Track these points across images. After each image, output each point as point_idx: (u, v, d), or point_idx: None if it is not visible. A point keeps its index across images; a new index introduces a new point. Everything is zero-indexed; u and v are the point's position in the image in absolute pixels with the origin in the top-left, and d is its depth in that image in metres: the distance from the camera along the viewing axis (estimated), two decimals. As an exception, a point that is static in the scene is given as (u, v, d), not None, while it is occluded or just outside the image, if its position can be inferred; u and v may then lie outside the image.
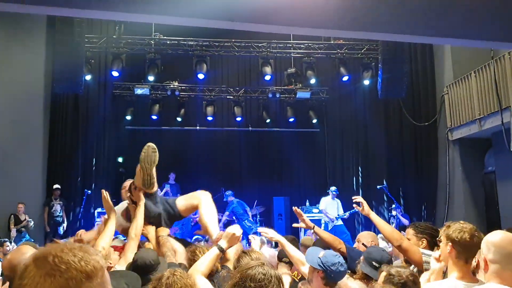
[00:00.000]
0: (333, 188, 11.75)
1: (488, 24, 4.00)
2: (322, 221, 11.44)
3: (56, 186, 10.95)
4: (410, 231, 3.81)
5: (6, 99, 10.37)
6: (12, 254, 2.98)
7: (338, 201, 11.59)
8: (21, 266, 1.12)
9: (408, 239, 3.71)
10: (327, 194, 11.76)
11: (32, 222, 9.98)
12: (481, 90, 9.89)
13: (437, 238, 3.01)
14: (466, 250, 2.62)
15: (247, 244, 8.53)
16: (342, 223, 11.42)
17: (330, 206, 11.48)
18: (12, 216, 9.96)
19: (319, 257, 2.96)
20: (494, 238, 2.45)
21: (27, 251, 2.86)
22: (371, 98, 12.67)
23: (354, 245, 4.40)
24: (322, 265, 2.91)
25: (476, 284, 2.59)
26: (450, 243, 2.67)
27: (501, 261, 2.38)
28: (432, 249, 3.52)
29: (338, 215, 11.31)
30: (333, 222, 11.28)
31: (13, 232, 9.73)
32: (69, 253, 1.12)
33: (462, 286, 2.58)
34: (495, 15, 3.97)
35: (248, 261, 2.78)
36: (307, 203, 12.59)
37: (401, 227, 9.64)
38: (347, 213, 11.26)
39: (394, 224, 10.80)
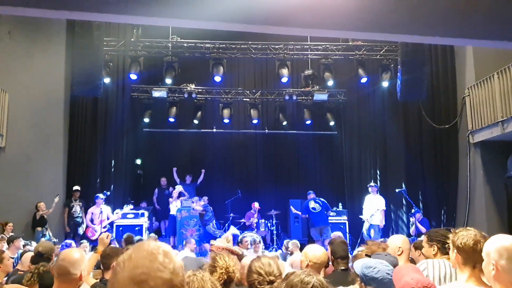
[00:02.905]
0: (371, 184, 11.61)
1: (511, 24, 3.90)
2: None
3: (76, 187, 11.10)
4: (424, 239, 3.97)
5: (27, 103, 10.54)
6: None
7: (379, 197, 11.33)
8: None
9: (423, 246, 3.88)
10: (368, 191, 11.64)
11: (56, 202, 10.15)
12: (504, 92, 9.69)
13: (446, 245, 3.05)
14: (471, 256, 2.64)
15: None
16: (376, 223, 11.08)
17: (368, 204, 11.36)
18: (36, 214, 10.11)
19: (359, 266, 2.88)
20: (507, 243, 2.37)
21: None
22: (390, 100, 12.52)
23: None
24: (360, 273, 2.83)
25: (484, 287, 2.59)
26: (455, 250, 2.72)
27: None
28: (443, 254, 3.66)
29: (372, 214, 11.12)
30: (368, 221, 11.16)
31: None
32: (165, 271, 1.12)
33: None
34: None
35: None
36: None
37: (419, 235, 9.49)
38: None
39: (412, 231, 10.64)
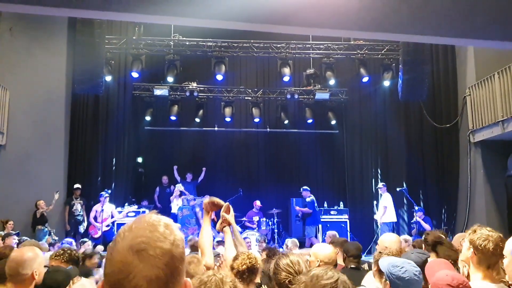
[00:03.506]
0: (379, 185, 11.65)
1: (513, 24, 3.90)
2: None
3: (77, 185, 11.10)
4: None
5: (28, 100, 10.56)
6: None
7: (387, 195, 11.32)
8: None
9: (422, 246, 3.80)
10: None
11: (56, 199, 10.14)
12: (505, 92, 9.69)
13: (460, 240, 3.00)
14: (488, 259, 2.59)
15: None
16: (389, 220, 11.11)
17: (380, 204, 11.42)
18: (36, 212, 10.13)
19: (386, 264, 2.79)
20: None
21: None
22: (392, 99, 12.52)
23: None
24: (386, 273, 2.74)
25: (501, 284, 2.57)
26: (472, 249, 2.64)
27: None
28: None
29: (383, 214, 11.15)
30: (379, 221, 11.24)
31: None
32: (165, 241, 1.10)
33: (488, 286, 2.55)
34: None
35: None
36: (325, 205, 12.50)
37: (421, 232, 9.49)
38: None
39: (415, 229, 10.65)
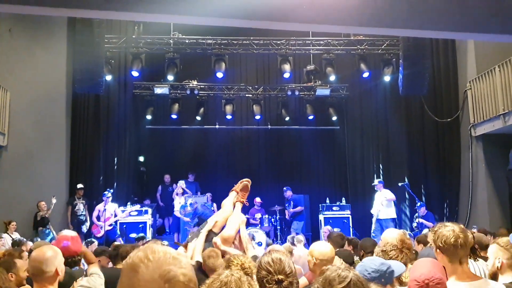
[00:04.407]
0: (375, 182, 11.63)
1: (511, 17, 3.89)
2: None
3: (80, 185, 11.11)
4: (430, 235, 3.79)
5: (29, 100, 10.56)
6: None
7: (386, 192, 11.22)
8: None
9: (426, 241, 3.74)
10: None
11: (53, 203, 10.15)
12: (505, 85, 9.67)
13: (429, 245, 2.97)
14: (454, 254, 2.58)
15: None
16: (383, 217, 11.07)
17: (376, 201, 11.37)
18: (37, 214, 10.14)
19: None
20: None
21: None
22: (392, 94, 12.49)
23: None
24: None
25: (477, 280, 2.57)
26: (438, 250, 2.65)
27: None
28: None
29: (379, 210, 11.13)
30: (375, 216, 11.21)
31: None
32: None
33: (463, 286, 2.54)
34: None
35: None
36: (327, 201, 12.51)
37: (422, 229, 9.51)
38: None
39: (415, 226, 10.65)
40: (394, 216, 11.13)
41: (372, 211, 11.38)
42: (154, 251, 1.18)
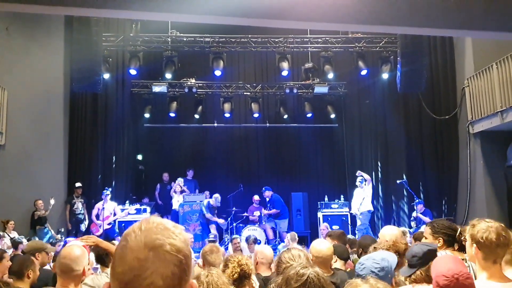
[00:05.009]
0: (359, 178, 11.57)
1: (510, 15, 3.89)
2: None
3: (78, 184, 11.10)
4: (427, 230, 3.74)
5: (26, 99, 10.54)
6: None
7: (366, 188, 11.21)
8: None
9: (426, 238, 3.66)
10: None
11: (51, 204, 10.12)
12: (503, 82, 9.68)
13: (462, 238, 2.91)
14: (492, 252, 2.49)
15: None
16: (361, 212, 11.03)
17: (355, 196, 11.36)
18: (34, 213, 10.13)
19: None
20: None
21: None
22: (390, 92, 12.50)
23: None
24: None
25: (509, 282, 2.49)
26: (475, 245, 2.55)
27: None
28: (449, 247, 3.48)
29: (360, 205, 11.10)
30: (355, 214, 11.18)
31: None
32: (177, 239, 1.11)
33: (494, 286, 2.46)
34: (518, 5, 3.86)
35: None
36: (326, 199, 12.52)
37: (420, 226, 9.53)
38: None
39: (415, 223, 10.68)
40: (369, 209, 11.11)
41: (353, 210, 11.32)
42: (148, 221, 1.14)
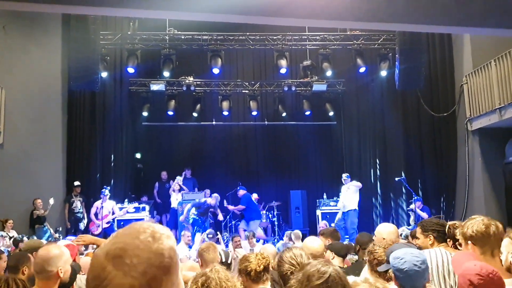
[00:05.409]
0: (344, 175, 11.53)
1: (508, 11, 3.89)
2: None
3: (77, 183, 11.09)
4: (418, 230, 3.84)
5: (24, 98, 10.51)
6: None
7: (352, 186, 11.19)
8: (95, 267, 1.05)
9: (418, 238, 3.75)
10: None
11: (51, 204, 10.09)
12: (501, 79, 9.68)
13: (451, 232, 3.03)
14: (486, 242, 2.53)
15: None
16: (350, 209, 11.02)
17: (343, 194, 11.32)
18: (33, 212, 10.11)
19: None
20: None
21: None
22: (389, 89, 12.50)
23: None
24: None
25: (510, 278, 2.50)
26: (469, 242, 2.58)
27: None
28: (441, 243, 3.54)
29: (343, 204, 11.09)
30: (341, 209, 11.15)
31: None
32: (145, 249, 1.03)
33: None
34: (517, 2, 3.85)
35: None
36: (325, 196, 12.53)
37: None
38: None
39: (412, 218, 10.69)
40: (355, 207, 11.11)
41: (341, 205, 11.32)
42: (128, 227, 1.09)
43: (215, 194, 11.41)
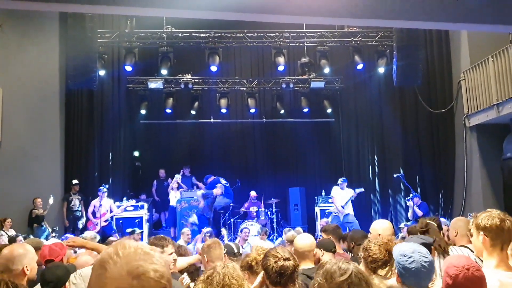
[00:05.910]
0: (340, 180, 11.49)
1: (506, 8, 3.89)
2: (333, 213, 11.31)
3: (75, 181, 11.07)
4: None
5: (22, 97, 10.48)
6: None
7: (350, 190, 11.15)
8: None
9: (416, 231, 3.88)
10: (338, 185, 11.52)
11: (50, 203, 10.07)
12: (499, 75, 9.70)
13: (468, 232, 2.97)
14: (499, 236, 2.57)
15: None
16: (349, 212, 11.03)
17: (339, 196, 11.24)
18: (32, 211, 10.10)
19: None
20: None
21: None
22: (386, 85, 12.51)
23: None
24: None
25: None
26: (481, 232, 2.62)
27: None
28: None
29: (342, 206, 11.04)
30: (341, 213, 11.06)
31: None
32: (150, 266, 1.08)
33: (502, 275, 2.50)
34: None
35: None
36: (323, 193, 12.54)
37: (416, 219, 9.53)
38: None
39: (410, 216, 10.71)
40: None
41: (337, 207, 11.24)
42: (124, 246, 1.10)
43: (219, 184, 11.47)
